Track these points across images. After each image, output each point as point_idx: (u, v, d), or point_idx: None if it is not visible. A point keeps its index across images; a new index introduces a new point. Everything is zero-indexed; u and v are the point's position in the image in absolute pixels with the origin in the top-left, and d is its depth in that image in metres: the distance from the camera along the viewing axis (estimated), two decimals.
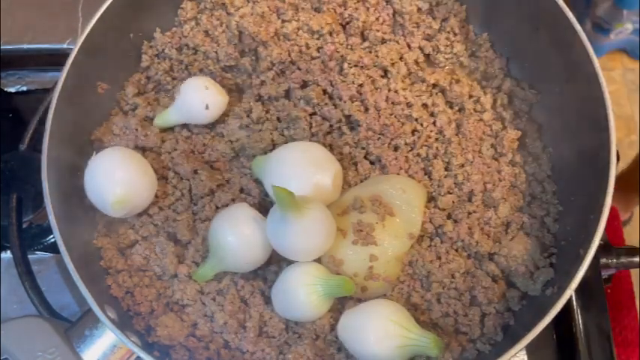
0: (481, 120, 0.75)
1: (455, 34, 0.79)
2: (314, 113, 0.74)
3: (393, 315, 0.63)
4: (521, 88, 0.77)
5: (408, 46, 0.78)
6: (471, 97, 0.76)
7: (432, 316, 0.67)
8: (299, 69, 0.76)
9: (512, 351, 0.59)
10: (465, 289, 0.68)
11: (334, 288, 0.65)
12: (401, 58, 0.77)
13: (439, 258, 0.69)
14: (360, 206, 0.68)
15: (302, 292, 0.64)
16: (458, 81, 0.76)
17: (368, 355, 0.63)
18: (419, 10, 0.78)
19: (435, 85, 0.76)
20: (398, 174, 0.72)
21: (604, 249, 0.77)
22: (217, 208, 0.72)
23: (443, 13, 0.79)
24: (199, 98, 0.73)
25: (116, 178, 0.67)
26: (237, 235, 0.65)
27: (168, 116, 0.75)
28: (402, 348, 0.62)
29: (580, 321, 0.74)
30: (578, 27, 0.68)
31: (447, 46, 0.78)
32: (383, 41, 0.77)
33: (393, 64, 0.76)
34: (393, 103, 0.75)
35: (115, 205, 0.67)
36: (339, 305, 0.68)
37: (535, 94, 0.76)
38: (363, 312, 0.65)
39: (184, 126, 0.77)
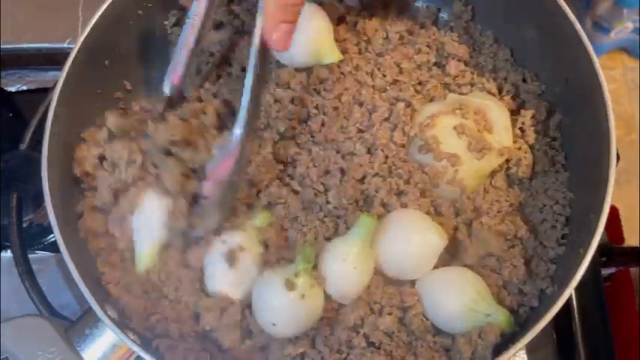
0: None
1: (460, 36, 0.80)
2: None
3: (476, 283, 0.66)
4: (524, 80, 0.77)
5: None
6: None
7: None
8: None
9: (512, 350, 0.59)
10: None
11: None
12: None
13: None
14: (465, 112, 0.71)
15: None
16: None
17: (439, 310, 0.65)
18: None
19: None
20: None
21: (604, 248, 0.77)
22: None
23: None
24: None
25: None
26: None
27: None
28: (471, 313, 0.64)
29: (580, 320, 0.74)
30: (578, 26, 0.68)
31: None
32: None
33: None
34: None
35: None
36: None
37: (538, 85, 0.76)
38: (447, 271, 0.67)
39: None
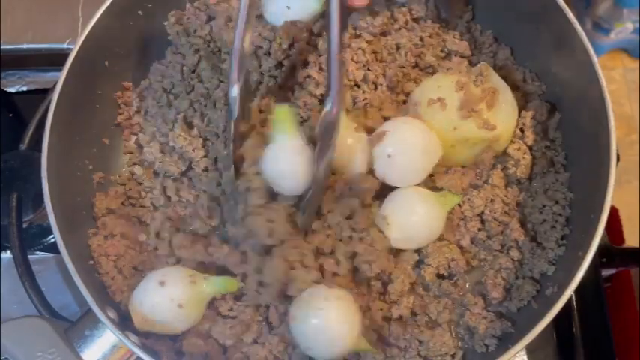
0: None
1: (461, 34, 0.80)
2: None
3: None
4: (524, 80, 0.77)
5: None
6: None
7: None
8: None
9: (512, 351, 0.59)
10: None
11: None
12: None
13: None
14: (479, 80, 0.70)
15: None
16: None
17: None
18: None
19: None
20: None
21: (604, 249, 0.77)
22: None
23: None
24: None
25: None
26: None
27: None
28: None
29: (580, 321, 0.74)
30: (578, 26, 0.68)
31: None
32: None
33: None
34: None
35: None
36: None
37: (539, 85, 0.76)
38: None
39: None
